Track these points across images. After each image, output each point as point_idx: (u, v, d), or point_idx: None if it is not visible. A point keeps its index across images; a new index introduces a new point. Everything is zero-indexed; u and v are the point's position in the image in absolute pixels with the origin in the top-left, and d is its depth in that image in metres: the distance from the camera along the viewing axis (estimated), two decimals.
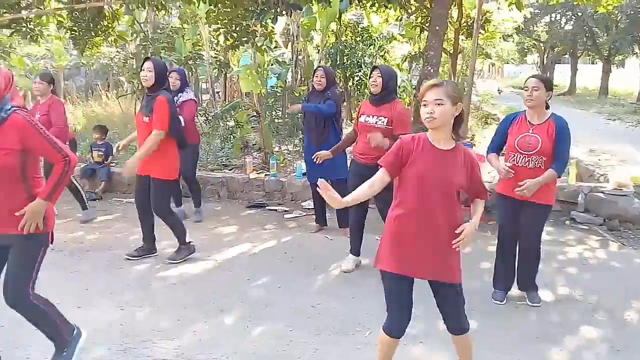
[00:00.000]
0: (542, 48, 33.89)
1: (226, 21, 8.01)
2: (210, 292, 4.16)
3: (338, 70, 13.89)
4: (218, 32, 7.89)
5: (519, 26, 19.11)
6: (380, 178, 2.61)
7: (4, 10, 8.14)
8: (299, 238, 5.54)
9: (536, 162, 3.84)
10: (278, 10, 6.28)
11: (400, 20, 12.44)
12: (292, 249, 5.19)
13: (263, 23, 6.82)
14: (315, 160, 4.87)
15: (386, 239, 2.68)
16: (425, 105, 2.52)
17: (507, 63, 38.88)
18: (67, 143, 5.79)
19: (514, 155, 3.90)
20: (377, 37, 14.35)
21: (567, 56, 34.37)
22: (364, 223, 4.79)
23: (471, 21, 12.53)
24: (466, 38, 13.10)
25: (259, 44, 8.68)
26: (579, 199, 6.36)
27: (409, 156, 2.57)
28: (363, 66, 13.97)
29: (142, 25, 8.49)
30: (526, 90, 3.88)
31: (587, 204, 6.34)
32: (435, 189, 2.54)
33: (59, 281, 4.19)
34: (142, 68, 4.58)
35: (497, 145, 4.13)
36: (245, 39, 7.97)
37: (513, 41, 38.27)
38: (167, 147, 4.60)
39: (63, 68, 18.95)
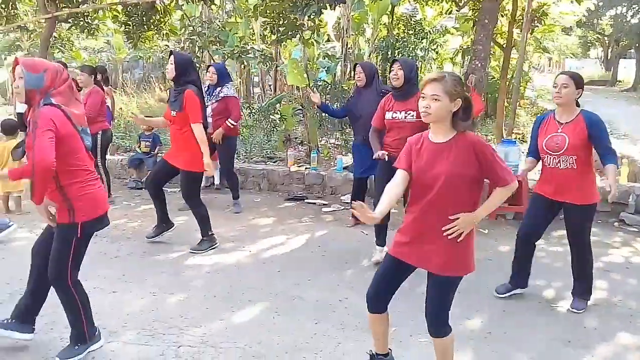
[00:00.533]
0: (606, 42, 32.53)
1: (274, 15, 8.09)
2: (240, 283, 4.23)
3: (388, 64, 13.80)
4: (264, 27, 7.92)
5: (581, 19, 18.36)
6: (402, 179, 2.62)
7: (63, 5, 8.51)
8: (334, 232, 5.55)
9: (567, 163, 3.74)
10: (321, 3, 6.29)
11: (450, 13, 12.19)
12: (326, 243, 5.21)
13: (311, 17, 6.84)
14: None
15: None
16: (423, 98, 2.51)
17: (569, 57, 37.49)
18: (100, 133, 6.05)
19: (546, 157, 3.82)
20: (429, 31, 14.12)
21: (632, 50, 32.82)
22: (390, 214, 4.76)
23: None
24: (521, 31, 12.68)
25: (306, 38, 8.73)
26: (630, 200, 6.09)
27: (416, 154, 2.59)
28: (414, 60, 13.81)
29: (190, 19, 8.65)
30: (555, 87, 3.75)
31: (639, 206, 6.07)
32: (433, 183, 2.51)
33: (98, 266, 4.36)
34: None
35: (533, 149, 4.02)
36: (292, 32, 8.03)
37: (575, 35, 36.88)
38: (192, 139, 4.70)
39: (122, 60, 19.62)
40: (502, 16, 11.47)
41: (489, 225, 5.92)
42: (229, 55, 8.68)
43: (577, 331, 3.61)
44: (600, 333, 3.59)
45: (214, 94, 6.08)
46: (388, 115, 4.44)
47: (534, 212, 4.03)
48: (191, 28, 8.46)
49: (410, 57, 13.57)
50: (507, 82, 13.74)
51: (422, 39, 13.84)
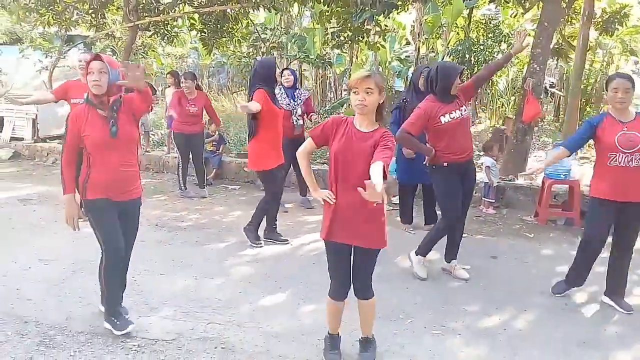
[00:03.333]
0: None
1: (339, 20, 8.39)
2: (275, 272, 4.55)
3: (464, 67, 13.67)
4: (326, 32, 8.24)
5: None
6: (310, 146, 2.99)
7: (145, 14, 9.26)
8: None
9: (637, 160, 3.73)
10: (374, 10, 6.48)
11: (515, 16, 11.93)
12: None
13: (364, 23, 7.06)
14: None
15: (326, 207, 2.99)
16: (355, 92, 2.81)
17: None
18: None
19: (615, 156, 3.76)
20: (508, 34, 13.85)
21: None
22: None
23: (606, 15, 11.69)
24: (600, 34, 12.20)
25: (372, 42, 8.97)
26: None
27: (336, 133, 2.90)
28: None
29: (255, 26, 9.12)
30: (616, 91, 3.74)
31: None
32: (355, 165, 2.83)
33: (151, 251, 4.82)
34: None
35: (573, 143, 4.03)
36: (356, 37, 8.29)
37: None
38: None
39: (207, 66, 20.67)
40: (574, 19, 11.12)
41: (536, 230, 5.88)
42: (304, 60, 9.03)
43: (596, 334, 3.61)
44: (620, 338, 3.57)
45: (296, 96, 6.43)
46: (444, 118, 4.20)
47: (603, 219, 3.93)
48: (255, 35, 8.92)
49: (488, 61, 13.44)
50: (585, 86, 13.32)
51: (499, 42, 13.62)
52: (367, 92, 2.79)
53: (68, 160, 3.31)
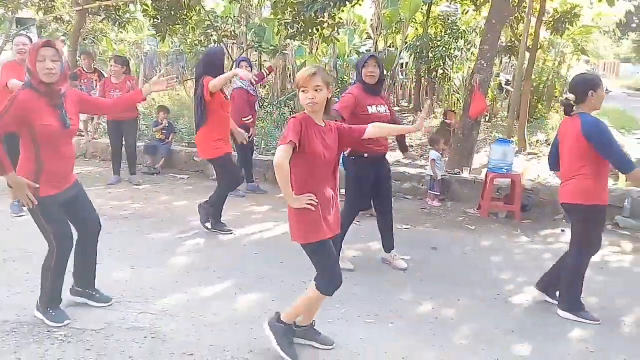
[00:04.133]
0: None
1: (293, 12, 8.35)
2: (215, 262, 4.52)
3: (422, 63, 13.85)
4: (279, 23, 8.19)
5: (621, 21, 17.80)
6: (290, 152, 2.79)
7: None
8: None
9: None
10: (326, 1, 6.49)
11: (466, 13, 12.15)
12: None
13: (330, 13, 7.05)
14: None
15: (305, 212, 2.89)
16: (304, 91, 2.82)
17: (626, 61, 36.14)
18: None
19: None
20: (465, 30, 14.05)
21: None
22: None
23: (557, 15, 11.98)
24: (551, 33, 12.50)
25: (325, 35, 8.94)
26: (625, 203, 6.05)
27: (307, 133, 2.84)
28: (448, 59, 13.80)
29: (207, 14, 9.01)
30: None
31: (634, 210, 6.03)
32: (327, 160, 2.93)
33: None
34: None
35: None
36: (309, 29, 8.27)
37: (629, 39, 35.43)
38: None
39: (165, 54, 20.31)
40: (520, 18, 11.35)
41: (478, 222, 6.01)
42: (259, 49, 8.93)
43: (525, 322, 3.71)
44: (547, 325, 3.68)
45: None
46: (372, 109, 4.34)
47: (599, 228, 3.83)
48: (207, 22, 8.81)
49: (445, 56, 13.63)
50: (538, 84, 13.65)
51: (457, 39, 13.82)
52: (316, 90, 2.81)
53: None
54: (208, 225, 5.25)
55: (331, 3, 6.57)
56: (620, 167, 3.59)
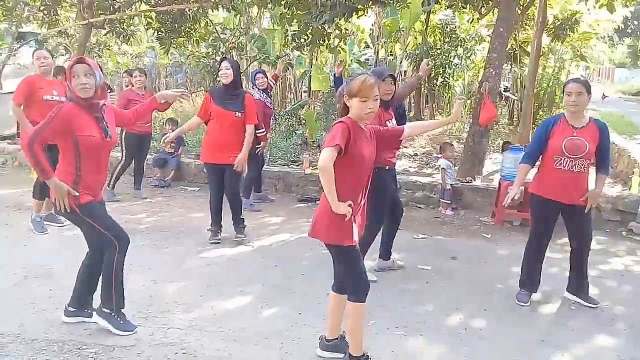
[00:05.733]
0: None
1: (299, 23, 8.36)
2: (236, 275, 4.49)
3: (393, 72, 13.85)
4: (286, 34, 8.22)
5: (619, 27, 17.94)
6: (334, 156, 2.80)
7: (100, 12, 9.02)
8: None
9: (581, 166, 3.86)
10: (333, 12, 6.50)
11: (471, 22, 12.22)
12: None
13: (324, 24, 7.07)
14: None
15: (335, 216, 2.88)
16: (364, 101, 2.82)
17: (620, 66, 36.34)
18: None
19: (560, 159, 3.88)
20: (464, 39, 14.13)
21: None
22: None
23: (558, 22, 12.07)
24: (552, 40, 12.59)
25: (333, 45, 8.97)
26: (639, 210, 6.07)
27: (353, 137, 2.85)
28: (448, 67, 13.86)
29: (214, 26, 9.03)
30: (569, 95, 3.85)
31: None
32: (368, 165, 2.95)
33: None
34: (220, 67, 5.10)
35: (534, 155, 4.08)
36: (317, 40, 8.28)
37: (623, 44, 35.70)
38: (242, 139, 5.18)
39: (164, 66, 20.32)
40: (527, 25, 11.43)
41: (493, 230, 6.01)
42: (263, 60, 8.96)
43: (555, 332, 3.70)
44: (577, 334, 3.68)
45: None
46: (390, 124, 4.35)
47: (549, 216, 4.09)
48: (214, 34, 8.82)
49: (444, 65, 13.69)
50: (538, 91, 13.71)
51: (456, 47, 13.89)
52: (375, 100, 2.84)
53: (40, 149, 3.17)
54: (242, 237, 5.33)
55: (339, 14, 6.59)
56: None
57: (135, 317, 3.65)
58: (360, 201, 3.00)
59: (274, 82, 7.36)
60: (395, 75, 5.07)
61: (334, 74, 5.66)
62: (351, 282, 3.02)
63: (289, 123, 8.79)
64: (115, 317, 3.44)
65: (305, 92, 15.18)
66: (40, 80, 5.23)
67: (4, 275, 4.25)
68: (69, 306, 3.56)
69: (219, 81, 5.30)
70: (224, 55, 5.93)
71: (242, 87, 5.33)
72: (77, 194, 3.25)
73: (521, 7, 9.45)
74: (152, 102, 3.82)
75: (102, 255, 3.46)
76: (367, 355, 3.08)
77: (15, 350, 3.19)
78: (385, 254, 4.69)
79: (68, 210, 3.27)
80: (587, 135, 3.85)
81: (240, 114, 5.10)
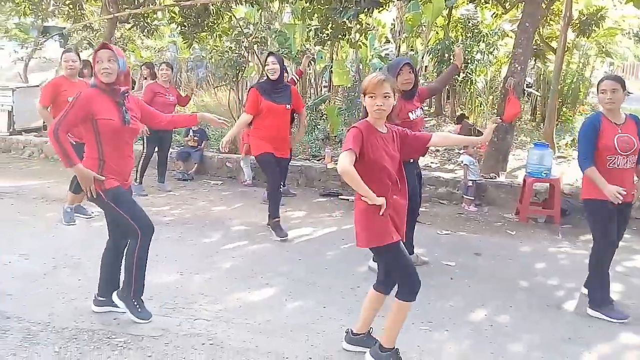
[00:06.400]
0: None
1: (321, 17, 8.36)
2: (261, 267, 4.52)
3: (444, 67, 13.79)
4: (308, 29, 8.22)
5: None
6: (353, 159, 2.77)
7: (125, 6, 9.11)
8: None
9: (631, 162, 3.82)
10: (359, 7, 6.49)
11: (496, 16, 12.08)
12: (350, 237, 5.38)
13: (349, 19, 7.05)
14: None
15: (370, 217, 2.88)
16: (372, 97, 2.81)
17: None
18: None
19: (613, 158, 3.78)
20: (487, 34, 13.99)
21: None
22: None
23: (583, 17, 11.89)
24: (577, 36, 12.41)
25: (354, 40, 8.94)
26: None
27: (368, 141, 2.84)
28: (470, 63, 13.74)
29: (237, 20, 9.07)
30: (604, 93, 3.79)
31: None
32: (391, 167, 2.91)
33: None
34: (267, 62, 5.27)
35: (592, 154, 3.82)
36: (338, 34, 8.27)
37: None
38: None
39: (186, 60, 20.45)
40: (552, 20, 11.27)
41: (517, 227, 5.96)
42: (285, 55, 8.96)
43: (581, 329, 3.67)
44: (604, 332, 3.64)
45: None
46: (412, 115, 4.42)
47: (612, 216, 3.84)
48: (238, 29, 8.86)
49: (466, 60, 13.57)
50: (562, 87, 13.53)
51: (479, 42, 13.75)
52: (385, 97, 2.81)
53: (65, 136, 3.23)
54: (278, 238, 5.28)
55: (365, 9, 6.57)
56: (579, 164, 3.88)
57: (162, 307, 3.71)
58: (396, 202, 2.96)
59: (298, 77, 7.28)
60: (416, 69, 5.04)
61: None
62: (400, 280, 2.99)
63: (311, 118, 8.79)
64: (134, 302, 3.50)
65: (325, 87, 15.18)
66: (65, 82, 5.29)
67: (34, 265, 4.33)
68: (98, 296, 3.61)
69: (264, 76, 5.47)
70: (269, 52, 6.06)
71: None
72: (102, 178, 3.30)
73: (546, 2, 9.33)
74: (192, 120, 3.93)
75: (121, 244, 3.52)
76: (397, 349, 3.07)
77: (45, 339, 3.24)
78: (408, 247, 4.65)
79: (95, 196, 3.34)
80: (631, 131, 3.80)
81: (289, 105, 5.32)
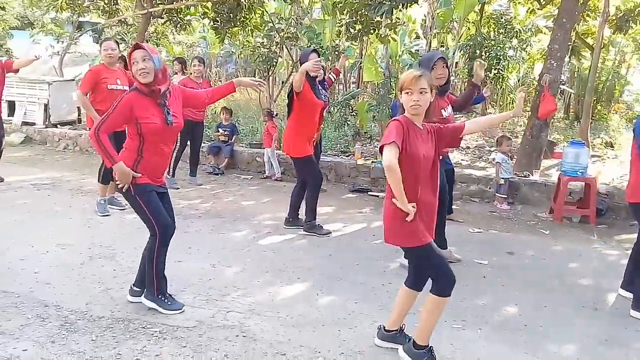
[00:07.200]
0: None
1: (351, 12, 8.33)
2: (292, 262, 4.54)
3: (475, 63, 13.57)
4: (339, 24, 8.20)
5: None
6: (397, 155, 2.75)
7: (158, 1, 9.22)
8: None
9: None
10: (394, 3, 6.44)
11: (532, 12, 11.85)
12: (380, 233, 5.31)
13: (383, 15, 7.01)
14: None
15: (401, 218, 2.85)
16: (409, 93, 2.79)
17: None
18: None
19: None
20: (520, 30, 13.75)
21: None
22: None
23: (621, 13, 11.60)
24: (614, 32, 12.11)
25: (383, 35, 8.89)
26: None
27: (408, 135, 2.82)
28: (502, 59, 13.53)
29: (269, 16, 9.09)
30: None
31: None
32: (427, 164, 2.89)
33: None
34: (309, 59, 5.02)
35: None
36: (368, 30, 8.23)
37: None
38: None
39: (215, 55, 20.61)
40: (588, 16, 11.01)
41: (551, 226, 5.87)
42: (323, 52, 8.92)
43: (618, 331, 3.59)
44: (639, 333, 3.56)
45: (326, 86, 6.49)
46: (445, 113, 4.39)
47: None
48: (270, 24, 8.88)
49: (499, 56, 13.35)
50: (597, 84, 13.24)
51: (512, 38, 13.52)
52: (422, 92, 2.80)
53: (106, 137, 3.31)
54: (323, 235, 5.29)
55: (399, 4, 6.52)
56: None
57: (196, 299, 3.75)
58: (429, 199, 2.94)
59: (335, 76, 7.03)
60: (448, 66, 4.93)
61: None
62: (434, 277, 2.97)
63: (341, 113, 8.77)
64: (162, 298, 3.55)
65: (354, 83, 15.13)
66: (105, 70, 5.43)
67: (71, 255, 4.42)
68: (134, 286, 3.67)
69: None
70: (313, 47, 6.06)
71: None
72: (139, 175, 3.37)
73: None
74: (229, 87, 3.85)
75: None
76: (432, 347, 3.05)
77: (83, 327, 3.31)
78: (441, 242, 4.62)
79: (132, 192, 3.40)
80: None
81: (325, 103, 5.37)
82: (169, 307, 3.54)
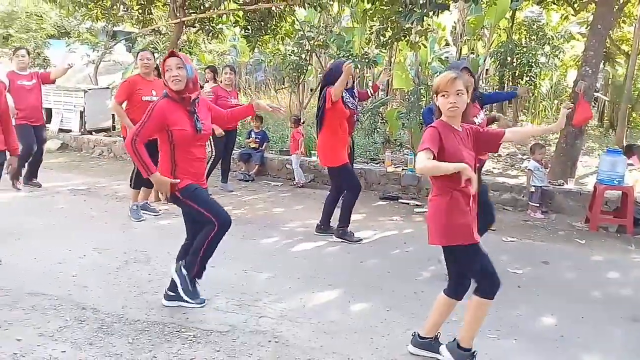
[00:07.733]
0: None
1: (382, 19, 8.34)
2: (323, 269, 4.54)
3: (506, 70, 13.45)
4: (371, 31, 8.21)
5: None
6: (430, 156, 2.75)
7: (191, 11, 9.37)
8: (422, 231, 5.64)
9: None
10: (424, 10, 6.41)
11: (566, 18, 11.66)
12: (411, 241, 5.36)
13: (413, 23, 6.99)
14: None
15: (452, 216, 2.85)
16: (445, 96, 2.78)
17: None
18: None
19: None
20: (552, 36, 13.56)
21: None
22: None
23: None
24: None
25: (414, 42, 8.87)
26: None
27: (446, 139, 2.81)
28: (534, 66, 13.35)
29: (300, 24, 9.16)
30: None
31: None
32: (468, 160, 2.84)
33: None
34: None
35: None
36: (398, 36, 8.23)
37: None
38: None
39: (245, 64, 20.83)
40: (623, 22, 10.80)
41: (587, 236, 5.75)
42: (356, 59, 8.96)
43: None
44: None
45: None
46: (477, 120, 4.35)
47: None
48: (301, 32, 8.95)
49: (530, 63, 13.17)
50: (632, 91, 12.95)
51: (544, 45, 13.34)
52: (458, 94, 2.79)
53: (142, 147, 3.40)
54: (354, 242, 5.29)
55: (429, 11, 6.49)
56: None
57: (228, 304, 3.78)
58: (470, 201, 2.91)
59: (372, 92, 6.61)
60: (477, 74, 4.91)
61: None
62: (479, 279, 2.93)
63: (371, 121, 8.77)
64: (189, 280, 3.63)
65: (383, 90, 15.10)
66: (140, 81, 5.53)
67: (106, 260, 4.51)
68: (168, 290, 3.72)
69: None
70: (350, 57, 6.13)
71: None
72: (177, 181, 3.45)
73: (618, 3, 8.96)
74: (248, 110, 3.98)
75: None
76: (475, 352, 3.02)
77: (119, 330, 3.37)
78: None
79: (171, 199, 3.48)
80: None
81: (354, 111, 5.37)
82: (188, 292, 3.63)
